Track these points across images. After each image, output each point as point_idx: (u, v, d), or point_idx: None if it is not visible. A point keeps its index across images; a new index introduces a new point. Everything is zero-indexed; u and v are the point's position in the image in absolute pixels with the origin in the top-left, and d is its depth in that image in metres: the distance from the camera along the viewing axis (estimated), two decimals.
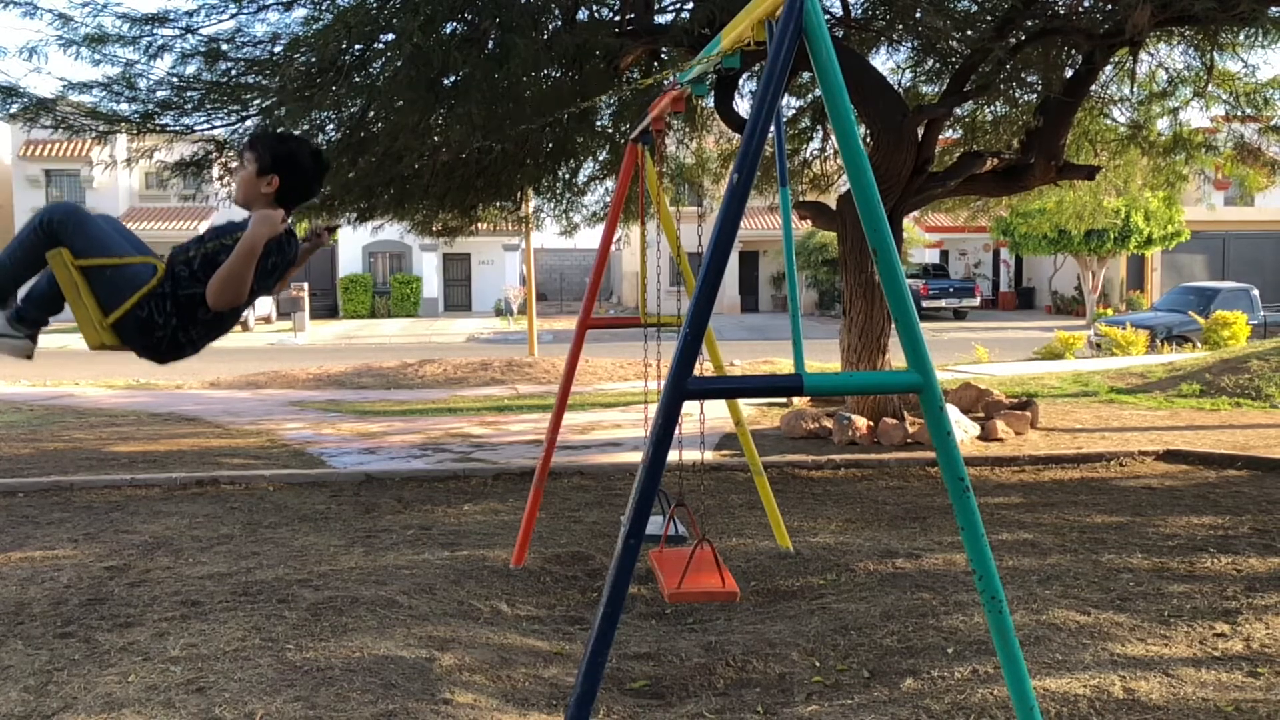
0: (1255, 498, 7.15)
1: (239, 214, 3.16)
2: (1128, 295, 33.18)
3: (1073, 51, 9.50)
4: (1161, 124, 11.59)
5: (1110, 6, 8.82)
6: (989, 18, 8.74)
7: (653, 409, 2.92)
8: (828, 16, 9.51)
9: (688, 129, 12.08)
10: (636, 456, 8.91)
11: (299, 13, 8.41)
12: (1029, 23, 8.70)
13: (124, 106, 8.61)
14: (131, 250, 2.89)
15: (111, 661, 4.20)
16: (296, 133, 2.87)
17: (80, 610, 4.88)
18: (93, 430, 11.14)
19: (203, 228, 36.04)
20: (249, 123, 8.98)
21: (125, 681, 3.98)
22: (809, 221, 11.08)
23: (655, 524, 5.13)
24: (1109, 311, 29.25)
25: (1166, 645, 4.29)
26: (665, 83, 4.61)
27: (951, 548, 5.85)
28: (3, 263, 2.90)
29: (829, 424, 9.86)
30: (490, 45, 8.02)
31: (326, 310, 37.92)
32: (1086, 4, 9.17)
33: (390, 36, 7.89)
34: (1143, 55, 10.18)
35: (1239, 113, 11.07)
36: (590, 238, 14.86)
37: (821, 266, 34.93)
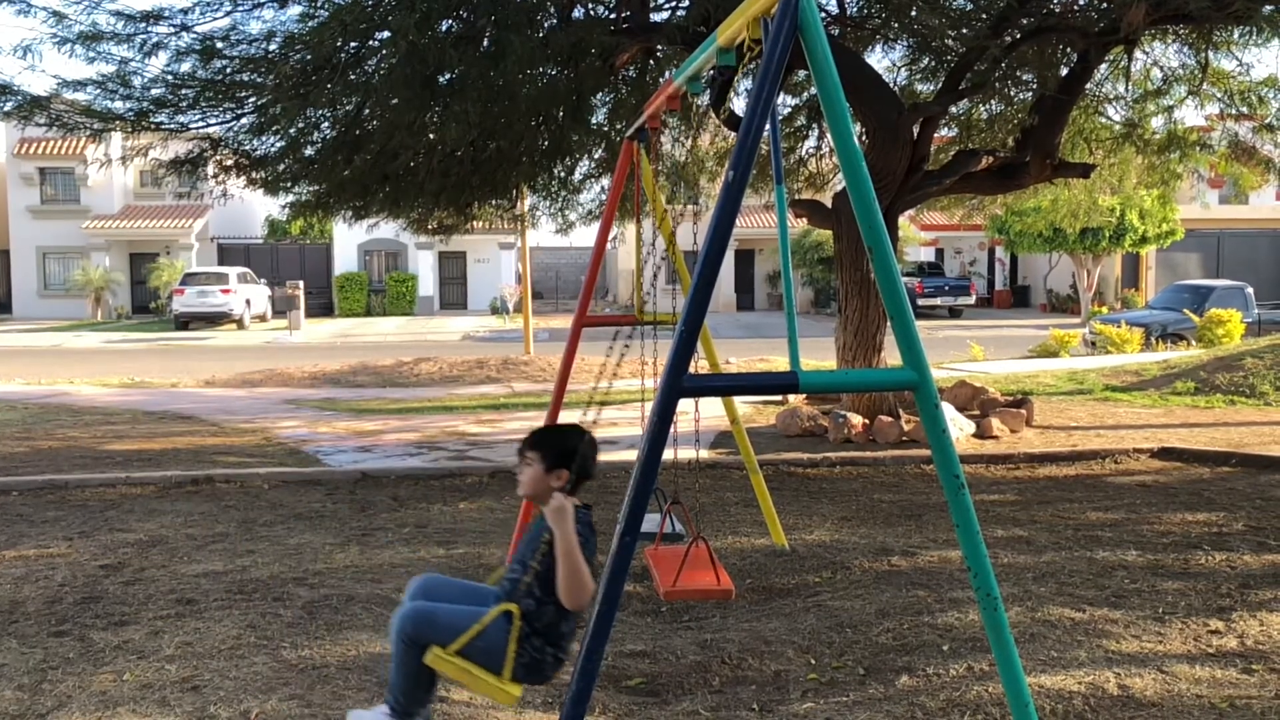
0: (1249, 495, 7.17)
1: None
2: (1123, 293, 33.23)
3: (1068, 50, 9.52)
4: (1156, 122, 11.62)
5: (1105, 5, 8.83)
6: (984, 16, 8.75)
7: (648, 407, 2.92)
8: (823, 14, 9.51)
9: (683, 127, 12.07)
10: (632, 454, 8.91)
11: (294, 10, 8.40)
12: (1024, 21, 8.71)
13: (119, 104, 8.60)
14: (478, 608, 2.99)
15: (106, 660, 4.19)
16: (563, 423, 3.00)
17: (75, 609, 4.87)
18: (88, 429, 11.12)
19: (198, 226, 35.37)
20: (244, 120, 8.97)
21: (120, 680, 3.97)
22: (805, 220, 11.08)
23: (651, 522, 5.14)
24: (1104, 309, 29.28)
25: (1161, 642, 4.30)
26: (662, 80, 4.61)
27: (947, 545, 5.86)
28: (403, 687, 3.02)
29: (824, 422, 9.87)
30: (486, 43, 8.01)
31: (322, 308, 37.86)
32: (1081, 2, 9.18)
33: (386, 34, 7.88)
34: (1138, 54, 10.19)
35: (1233, 111, 11.09)
36: (586, 236, 14.88)
37: (817, 265, 34.94)
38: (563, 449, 3.00)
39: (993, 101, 10.96)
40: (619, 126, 10.36)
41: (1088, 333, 20.44)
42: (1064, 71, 9.65)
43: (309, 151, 9.47)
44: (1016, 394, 11.86)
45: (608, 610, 2.65)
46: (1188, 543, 5.90)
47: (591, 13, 9.22)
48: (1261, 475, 7.86)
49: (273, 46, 8.19)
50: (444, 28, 8.01)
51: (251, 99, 8.61)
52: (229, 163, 9.80)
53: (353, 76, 8.22)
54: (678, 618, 4.85)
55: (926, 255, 38.47)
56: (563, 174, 11.62)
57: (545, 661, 2.96)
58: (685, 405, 2.91)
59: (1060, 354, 18.33)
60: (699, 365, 4.71)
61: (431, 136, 8.91)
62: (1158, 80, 10.97)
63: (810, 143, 12.34)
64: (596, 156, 11.53)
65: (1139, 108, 11.35)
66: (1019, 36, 8.88)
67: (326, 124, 9.14)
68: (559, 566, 2.82)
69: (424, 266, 38.84)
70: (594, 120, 10.31)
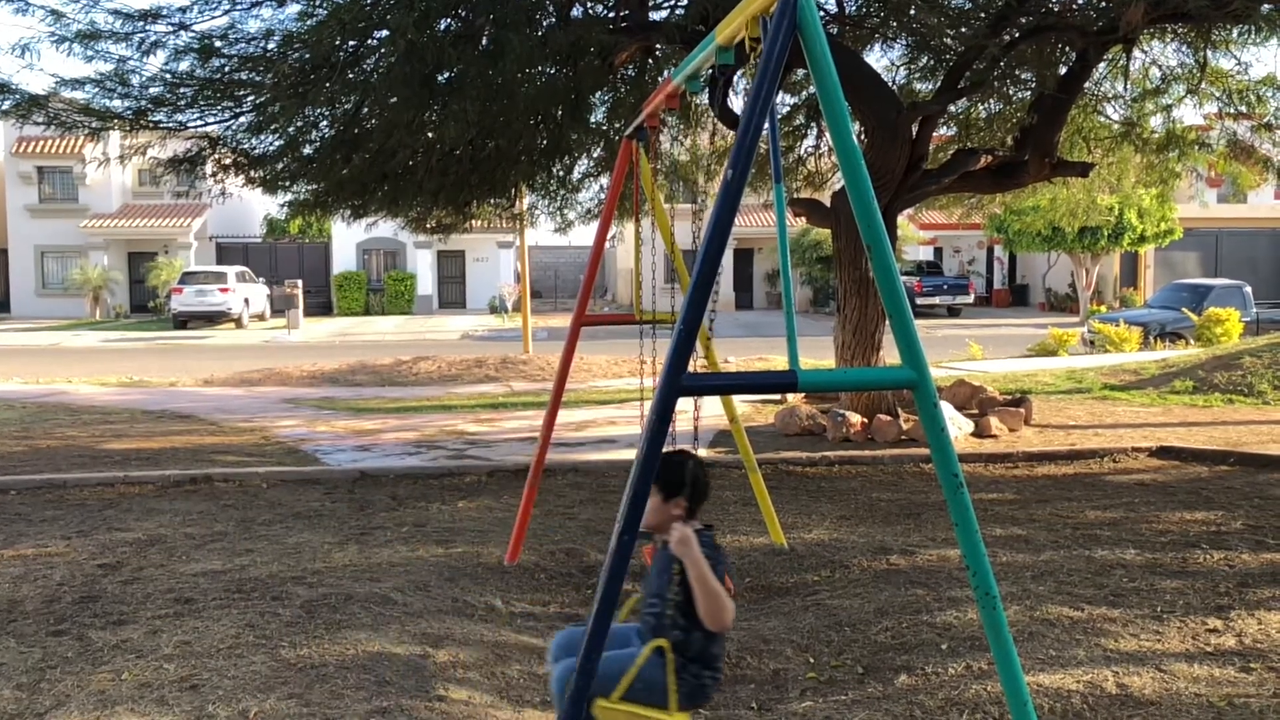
0: (1248, 494, 7.17)
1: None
2: (1121, 292, 33.23)
3: (1067, 49, 9.51)
4: (1155, 121, 11.62)
5: (1104, 4, 8.83)
6: (983, 15, 8.75)
7: (647, 406, 2.92)
8: (821, 13, 9.51)
9: (682, 126, 12.07)
10: (631, 453, 8.90)
11: (293, 9, 8.40)
12: (1023, 20, 8.71)
13: (117, 103, 8.59)
14: (626, 651, 3.01)
15: (104, 659, 4.19)
16: (668, 451, 2.99)
17: (73, 608, 4.87)
18: (86, 428, 11.12)
19: (196, 225, 35.29)
20: (242, 119, 8.97)
21: (118, 679, 3.97)
22: (803, 219, 11.08)
23: None
24: (1102, 308, 29.28)
25: (1159, 641, 4.31)
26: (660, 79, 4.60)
27: (945, 544, 5.86)
28: None
29: (823, 421, 9.87)
30: (485, 42, 8.01)
31: (321, 307, 37.83)
32: (1080, 1, 9.18)
33: (384, 33, 7.88)
34: (1136, 53, 10.19)
35: (1232, 110, 11.09)
36: (585, 235, 14.87)
37: (816, 264, 34.94)
38: (676, 478, 3.01)
39: (991, 100, 10.96)
40: (618, 125, 10.35)
41: (1086, 332, 20.44)
42: (1063, 70, 9.65)
43: (307, 150, 9.47)
44: (1015, 393, 11.86)
45: (606, 609, 2.65)
46: (1186, 541, 5.90)
47: (590, 11, 9.21)
48: (1260, 474, 7.86)
49: (271, 45, 8.18)
50: (443, 26, 8.01)
51: (250, 98, 8.61)
52: (227, 161, 9.79)
53: (351, 75, 8.21)
54: None
55: (925, 254, 38.47)
56: (561, 173, 11.62)
57: (706, 685, 2.99)
58: (684, 404, 2.91)
59: (1059, 353, 18.34)
60: (698, 364, 4.71)
61: (430, 135, 8.91)
62: (1156, 79, 10.97)
63: (809, 141, 12.34)
64: (595, 155, 11.52)
65: (1138, 107, 11.35)
66: (1018, 35, 8.88)
67: (325, 123, 9.13)
68: (696, 594, 2.83)
69: (423, 265, 38.82)
70: (593, 119, 10.30)
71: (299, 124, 8.93)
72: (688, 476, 3.00)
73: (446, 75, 8.13)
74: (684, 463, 3.04)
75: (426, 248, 37.39)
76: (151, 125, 8.81)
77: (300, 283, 31.84)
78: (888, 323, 2.73)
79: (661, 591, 2.97)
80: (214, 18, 8.29)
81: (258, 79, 8.41)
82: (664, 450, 3.04)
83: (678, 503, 2.98)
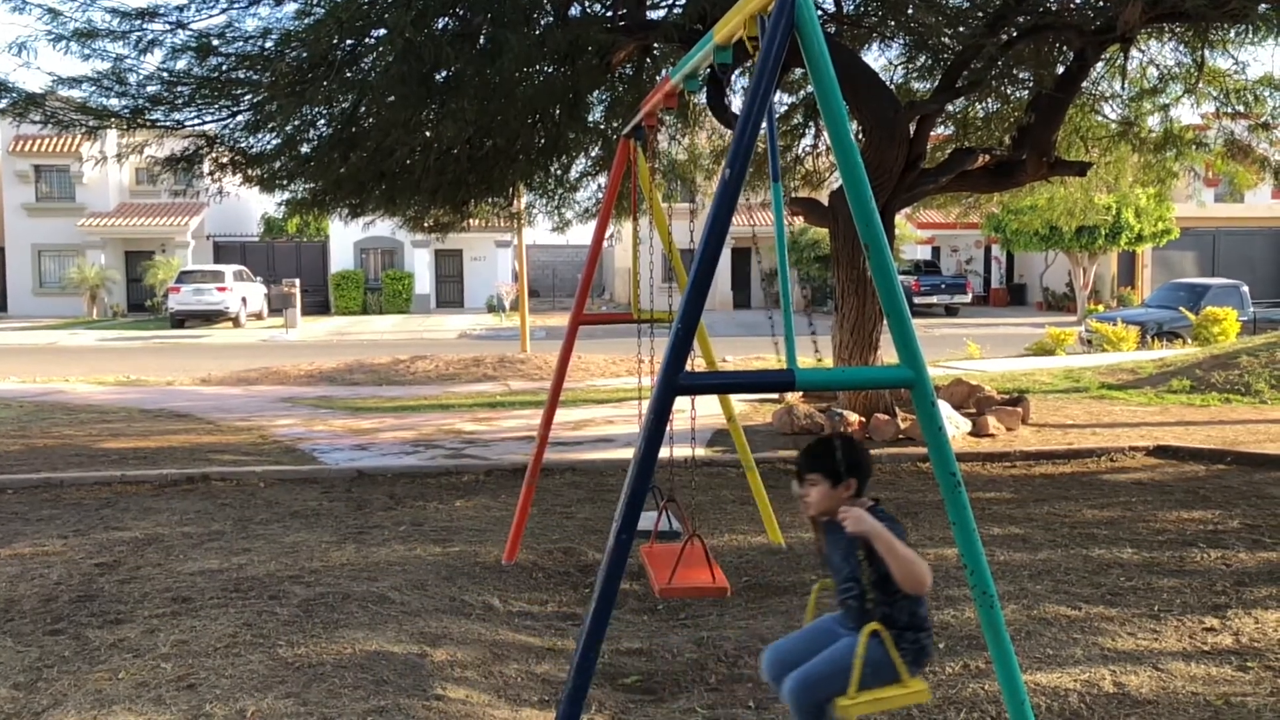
0: (1244, 493, 7.18)
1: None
2: (1118, 291, 33.26)
3: (1064, 48, 9.52)
4: (1152, 121, 11.62)
5: (1102, 3, 8.84)
6: (981, 14, 8.75)
7: (645, 405, 2.92)
8: (819, 13, 9.51)
9: (680, 125, 12.07)
10: (628, 453, 8.90)
11: (290, 7, 8.43)
12: (1021, 19, 8.71)
13: (114, 101, 8.58)
14: (840, 644, 3.05)
15: (101, 658, 4.18)
16: (822, 437, 3.05)
17: (70, 607, 4.87)
18: (83, 427, 11.10)
19: (194, 223, 35.32)
20: (240, 117, 8.96)
21: (115, 678, 3.96)
22: (801, 218, 11.08)
23: (646, 519, 5.13)
24: (1100, 308, 29.30)
25: (1156, 639, 4.31)
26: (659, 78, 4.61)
27: (943, 543, 5.87)
28: None
29: (821, 420, 9.87)
30: (482, 41, 8.00)
31: (318, 306, 37.80)
32: (1078, 1, 9.18)
33: (382, 32, 7.87)
34: (1134, 52, 10.19)
35: (1229, 110, 11.09)
36: (582, 234, 14.87)
37: (814, 263, 34.95)
38: (841, 462, 3.02)
39: (989, 99, 10.96)
40: (616, 124, 10.34)
41: (1084, 331, 20.46)
42: (1060, 70, 9.65)
43: (305, 149, 9.46)
44: (1013, 392, 11.86)
45: (604, 608, 2.64)
46: (1183, 540, 5.91)
47: (588, 10, 9.21)
48: (1256, 473, 7.87)
49: (269, 44, 8.18)
50: (440, 25, 8.00)
51: (247, 96, 8.60)
52: (225, 160, 9.78)
53: (349, 74, 8.21)
54: (674, 615, 4.86)
55: (923, 253, 38.50)
56: (559, 172, 11.61)
57: (925, 646, 3.02)
58: (682, 403, 2.91)
59: (1056, 352, 18.35)
60: (695, 363, 4.71)
61: (428, 134, 8.90)
62: (1154, 79, 10.98)
63: (807, 141, 12.34)
64: (593, 154, 11.52)
65: (1135, 106, 11.36)
66: (1016, 34, 8.88)
67: (322, 121, 9.12)
68: (889, 565, 2.85)
69: (420, 264, 38.79)
70: (591, 118, 10.30)
71: (296, 123, 8.93)
72: (850, 458, 3.03)
73: (444, 74, 8.12)
74: (841, 445, 3.07)
75: (424, 247, 37.37)
76: (149, 124, 8.80)
77: (298, 282, 31.81)
78: (886, 322, 2.73)
79: (854, 575, 2.98)
80: (211, 16, 8.29)
81: (255, 77, 8.40)
82: (815, 439, 3.11)
83: (847, 484, 3.00)
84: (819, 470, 3.03)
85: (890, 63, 12.45)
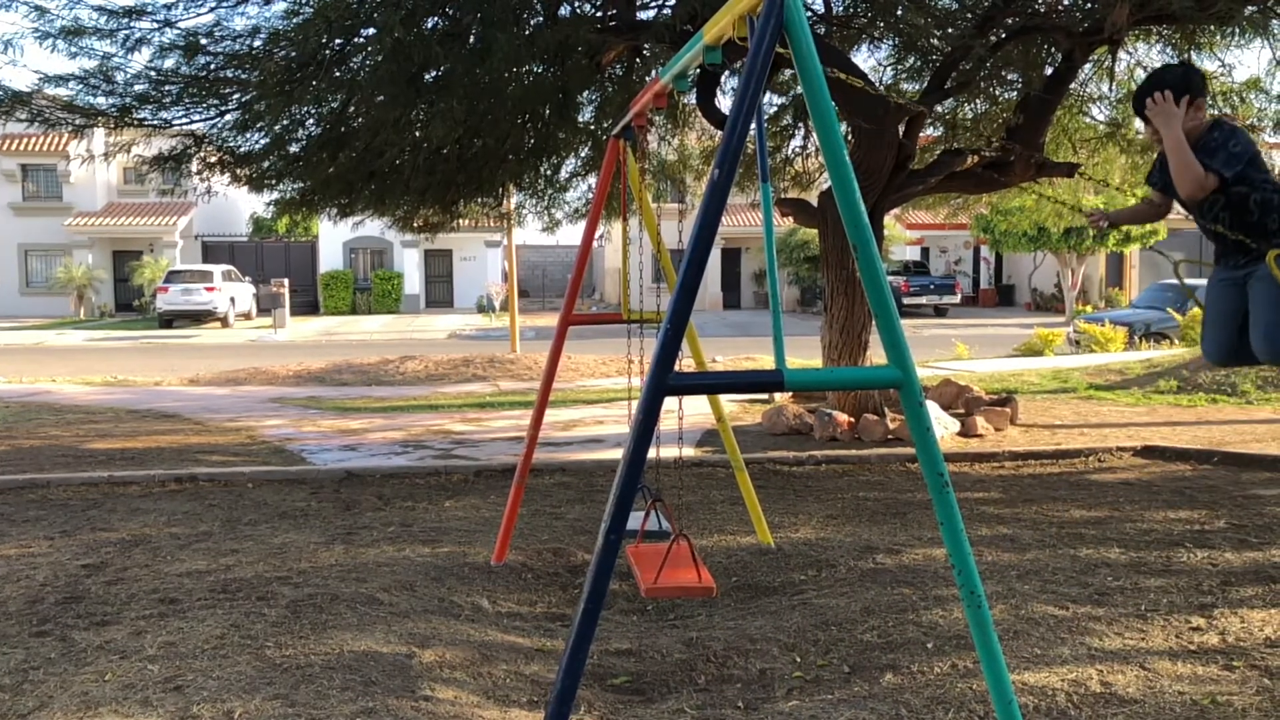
0: (1231, 493, 7.22)
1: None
2: (1107, 292, 33.41)
3: (1052, 49, 9.55)
4: (1139, 122, 11.66)
5: (1090, 5, 8.87)
6: (969, 15, 8.78)
7: (635, 405, 2.92)
8: (809, 13, 9.52)
9: (670, 125, 12.07)
10: (618, 453, 8.90)
11: (279, 6, 8.40)
12: (1009, 20, 8.75)
13: (101, 100, 8.55)
14: (1266, 285, 3.67)
15: (88, 660, 4.16)
16: (1163, 66, 3.47)
17: (56, 609, 4.84)
18: (69, 427, 11.05)
19: (182, 223, 35.30)
20: (228, 117, 8.93)
21: (102, 680, 3.94)
22: (790, 218, 11.10)
23: (634, 519, 5.14)
24: (1088, 308, 29.42)
25: (1143, 639, 4.33)
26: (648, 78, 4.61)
27: (931, 543, 5.88)
28: None
29: (810, 420, 9.89)
30: (471, 40, 7.99)
31: (307, 306, 37.70)
32: (1066, 2, 9.22)
33: (371, 31, 7.86)
34: (1121, 54, 10.24)
35: (1216, 112, 11.14)
36: (572, 234, 14.89)
37: (803, 263, 35.01)
38: (1187, 83, 3.40)
39: (978, 101, 10.99)
40: (605, 124, 10.34)
41: (1072, 331, 20.53)
42: (1049, 71, 9.69)
43: (294, 148, 9.43)
44: (1001, 392, 11.90)
45: (593, 608, 2.64)
46: (1170, 540, 5.93)
47: (578, 10, 9.20)
48: (1243, 473, 7.91)
49: (257, 43, 8.16)
50: (429, 25, 7.99)
51: (236, 95, 8.58)
52: (213, 159, 9.75)
53: (338, 73, 8.19)
54: (663, 616, 4.86)
55: (912, 254, 38.60)
56: (549, 172, 11.61)
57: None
58: (671, 403, 2.91)
59: (1044, 353, 18.42)
60: (685, 363, 4.71)
61: (417, 134, 8.89)
62: (1141, 80, 11.02)
63: (796, 141, 12.37)
64: (583, 155, 11.52)
65: (1123, 107, 11.40)
66: (1004, 36, 8.91)
67: (311, 121, 9.10)
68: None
69: (410, 264, 38.73)
70: (580, 118, 10.30)
71: (285, 122, 8.90)
72: (1185, 77, 3.56)
73: (433, 74, 8.11)
74: (1176, 69, 3.53)
75: (414, 246, 37.31)
76: (136, 123, 8.76)
77: (286, 281, 31.73)
78: (874, 322, 2.73)
79: (1245, 185, 3.50)
80: (199, 15, 8.27)
81: (243, 76, 8.38)
82: (1166, 66, 3.49)
83: (1185, 99, 3.41)
84: (1173, 90, 3.38)
85: (879, 63, 12.47)
